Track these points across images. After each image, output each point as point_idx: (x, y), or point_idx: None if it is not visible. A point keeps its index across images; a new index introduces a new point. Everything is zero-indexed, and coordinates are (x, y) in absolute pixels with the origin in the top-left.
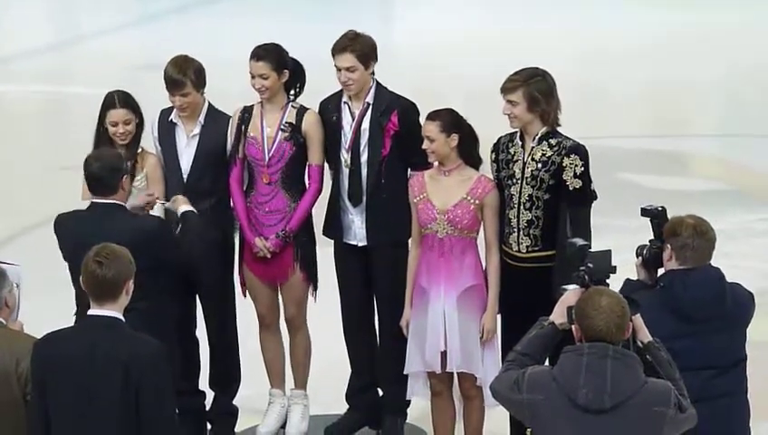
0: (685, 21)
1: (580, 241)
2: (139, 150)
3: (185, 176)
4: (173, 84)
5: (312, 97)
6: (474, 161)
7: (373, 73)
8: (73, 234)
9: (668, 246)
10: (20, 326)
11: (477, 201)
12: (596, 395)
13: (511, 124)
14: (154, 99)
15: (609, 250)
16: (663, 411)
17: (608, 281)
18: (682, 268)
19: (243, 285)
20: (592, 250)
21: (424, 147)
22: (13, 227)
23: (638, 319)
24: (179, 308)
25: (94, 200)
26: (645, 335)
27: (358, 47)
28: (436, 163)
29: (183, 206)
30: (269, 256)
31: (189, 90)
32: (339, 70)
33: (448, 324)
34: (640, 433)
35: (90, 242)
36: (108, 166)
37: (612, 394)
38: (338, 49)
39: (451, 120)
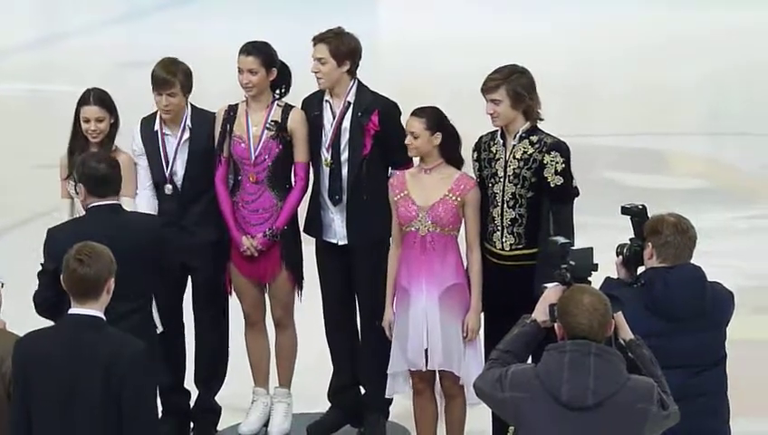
0: (669, 21)
1: (561, 239)
2: (114, 148)
3: (179, 183)
4: (162, 83)
5: (294, 97)
6: (455, 162)
7: (352, 74)
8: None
9: (649, 244)
10: (3, 325)
11: (459, 199)
12: (579, 392)
13: (494, 123)
14: (138, 96)
15: (591, 248)
16: (645, 408)
17: (589, 279)
18: (663, 266)
19: (228, 282)
20: (574, 248)
21: (406, 142)
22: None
23: (619, 316)
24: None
25: (98, 204)
26: (627, 333)
27: (334, 41)
28: (416, 161)
29: None
30: (256, 254)
31: (177, 91)
32: (313, 59)
33: (430, 323)
34: (623, 430)
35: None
36: (113, 165)
37: (595, 391)
38: (316, 39)
39: (436, 119)
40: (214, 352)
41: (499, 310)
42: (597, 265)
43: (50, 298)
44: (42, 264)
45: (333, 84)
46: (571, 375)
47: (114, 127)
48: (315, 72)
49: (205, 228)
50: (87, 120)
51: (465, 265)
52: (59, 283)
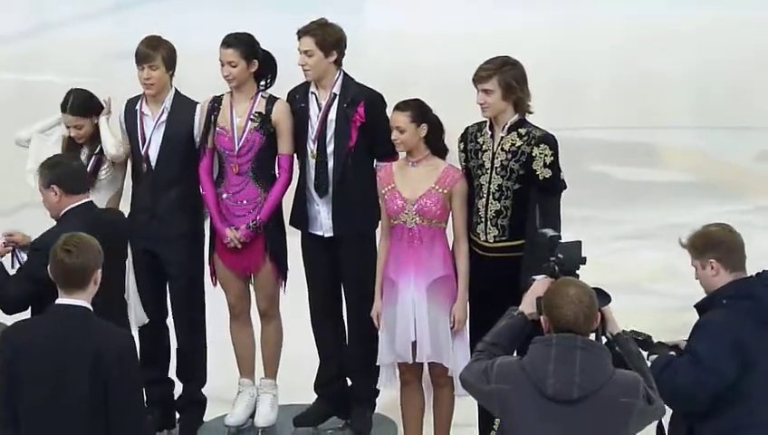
0: (658, 14)
1: (550, 232)
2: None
3: (153, 163)
4: (144, 56)
5: (280, 88)
6: (440, 151)
7: (339, 64)
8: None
9: (712, 260)
10: None
11: (445, 191)
12: (564, 386)
13: (483, 114)
14: (126, 88)
15: (580, 241)
16: (631, 403)
17: (578, 272)
18: (750, 276)
19: (213, 274)
20: (562, 241)
21: (393, 138)
22: None
23: (607, 310)
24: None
25: (78, 204)
26: (614, 327)
27: (319, 33)
28: (403, 154)
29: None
30: (240, 246)
31: (158, 64)
32: (299, 52)
33: (418, 315)
34: (607, 424)
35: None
36: (81, 164)
37: (581, 385)
38: (301, 32)
39: (420, 111)
40: (193, 344)
41: (484, 301)
42: (585, 258)
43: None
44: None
45: (321, 76)
46: (557, 369)
47: (98, 126)
48: (303, 65)
49: (178, 218)
50: (67, 126)
51: (453, 256)
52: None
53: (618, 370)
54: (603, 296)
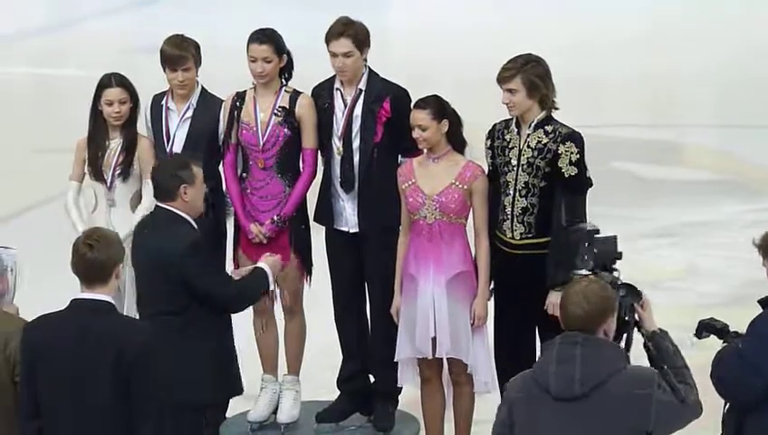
0: (682, 10)
1: (588, 225)
2: (135, 132)
3: None
4: (176, 59)
5: (298, 83)
6: (460, 145)
7: (366, 60)
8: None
9: None
10: (15, 310)
11: (465, 187)
12: (566, 383)
13: (510, 113)
14: (148, 82)
15: (615, 236)
16: (648, 393)
17: (615, 267)
18: None
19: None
20: (598, 236)
21: (414, 136)
22: (6, 210)
23: (645, 307)
24: None
25: (158, 204)
26: (651, 324)
27: (353, 32)
28: (425, 150)
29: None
30: (265, 241)
31: (191, 65)
32: (335, 56)
33: (437, 310)
34: (622, 417)
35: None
36: (166, 171)
37: (582, 380)
38: (334, 34)
39: (439, 107)
40: None
41: (509, 298)
42: (621, 253)
43: None
44: None
45: (356, 75)
46: (558, 368)
47: (134, 111)
48: (340, 67)
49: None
50: (110, 103)
51: (473, 252)
52: None
53: (630, 365)
54: (633, 293)
